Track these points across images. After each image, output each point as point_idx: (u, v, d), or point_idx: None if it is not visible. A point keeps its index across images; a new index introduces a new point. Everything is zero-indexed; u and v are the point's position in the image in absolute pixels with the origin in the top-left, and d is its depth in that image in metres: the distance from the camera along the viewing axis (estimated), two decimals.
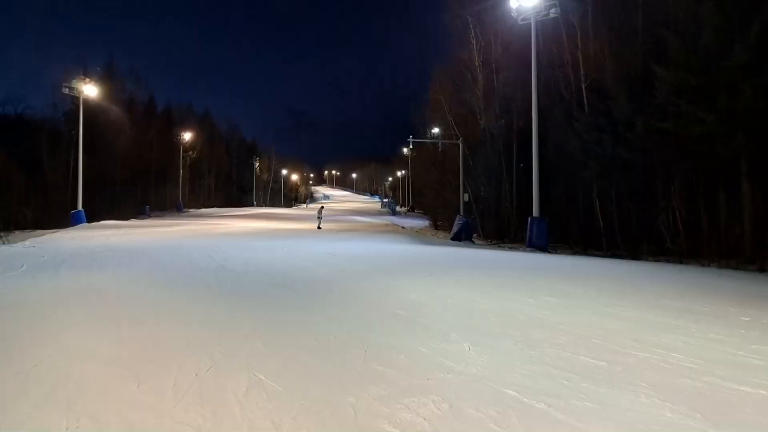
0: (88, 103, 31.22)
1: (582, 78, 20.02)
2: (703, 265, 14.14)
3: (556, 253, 17.50)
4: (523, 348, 4.81)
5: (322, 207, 19.50)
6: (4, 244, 15.97)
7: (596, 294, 7.86)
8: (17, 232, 20.64)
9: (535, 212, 18.53)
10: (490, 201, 25.76)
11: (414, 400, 3.54)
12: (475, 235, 24.30)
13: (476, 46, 26.30)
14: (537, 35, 19.02)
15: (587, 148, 18.79)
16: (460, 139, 27.94)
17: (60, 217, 28.09)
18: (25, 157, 32.93)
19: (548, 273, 10.48)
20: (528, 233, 18.56)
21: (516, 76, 24.01)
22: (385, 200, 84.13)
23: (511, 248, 18.88)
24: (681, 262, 14.76)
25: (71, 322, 6.00)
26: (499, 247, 20.05)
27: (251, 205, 74.37)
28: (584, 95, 19.91)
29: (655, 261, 15.11)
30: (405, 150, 68.46)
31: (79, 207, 28.29)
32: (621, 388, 3.79)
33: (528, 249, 17.91)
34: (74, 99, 31.33)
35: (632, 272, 11.11)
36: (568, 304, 6.92)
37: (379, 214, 54.68)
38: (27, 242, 16.27)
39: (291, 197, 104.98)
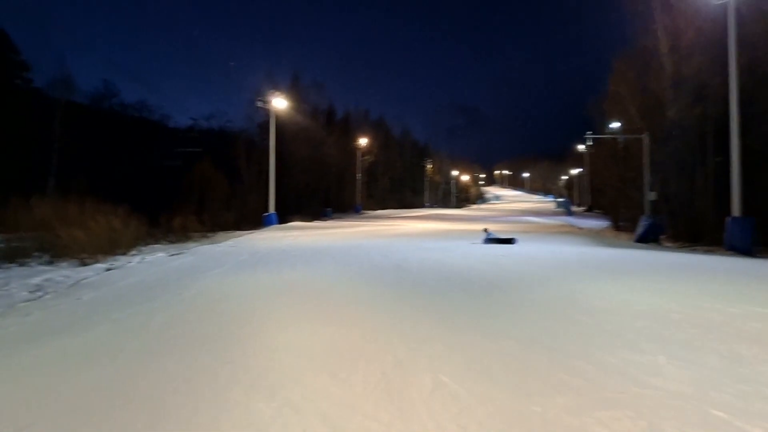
0: (277, 114, 34.29)
1: None
2: None
3: (762, 257, 15.47)
4: (730, 364, 4.32)
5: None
6: (211, 243, 18.10)
7: None
8: (220, 233, 23.27)
9: (736, 211, 16.57)
10: (681, 199, 23.45)
11: (607, 415, 3.36)
12: (663, 236, 22.36)
13: (662, 32, 24.16)
14: (736, 14, 16.99)
15: None
16: (645, 132, 25.91)
17: (254, 219, 31.01)
18: (227, 165, 37.02)
19: (755, 279, 9.28)
20: (727, 234, 16.66)
21: (711, 60, 21.58)
22: (559, 200, 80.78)
23: (706, 251, 17.06)
24: None
25: (269, 316, 6.62)
26: (692, 250, 18.22)
27: (423, 206, 75.85)
28: None
29: None
30: (580, 146, 65.13)
31: (271, 210, 31.13)
32: None
33: (727, 252, 16.08)
34: (266, 111, 34.56)
35: None
36: None
37: (553, 214, 52.66)
38: (229, 242, 18.28)
39: (461, 198, 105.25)
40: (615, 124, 34.03)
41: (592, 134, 33.30)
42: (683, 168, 23.11)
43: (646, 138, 25.63)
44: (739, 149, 16.69)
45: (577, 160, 76.66)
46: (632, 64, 28.51)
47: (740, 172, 16.66)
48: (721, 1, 17.58)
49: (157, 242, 18.21)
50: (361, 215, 49.03)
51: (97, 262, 12.74)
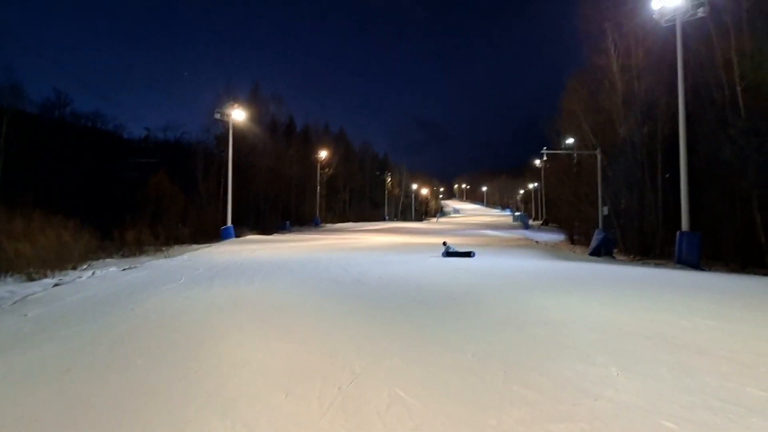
0: (236, 126, 33.93)
1: (737, 79, 18.27)
2: None
3: (709, 270, 16.05)
4: (679, 376, 4.45)
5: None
6: (166, 257, 17.69)
7: (762, 317, 7.09)
8: (176, 247, 22.76)
9: (684, 226, 17.18)
10: (632, 214, 24.21)
11: (560, 427, 3.42)
12: (615, 250, 22.98)
13: (614, 52, 24.99)
14: (683, 37, 17.73)
15: (745, 155, 17.08)
16: (598, 148, 26.67)
17: (212, 232, 30.44)
18: (184, 177, 36.32)
19: (702, 292, 9.63)
20: (677, 249, 17.23)
21: (660, 80, 22.49)
22: (516, 214, 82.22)
23: (657, 265, 17.60)
24: None
25: (225, 332, 6.50)
26: (643, 263, 18.77)
27: (383, 219, 76.06)
28: (740, 98, 18.13)
29: None
30: (537, 162, 66.87)
31: (229, 223, 30.68)
32: None
33: (677, 266, 16.62)
34: (224, 123, 34.13)
35: None
36: (728, 329, 6.31)
37: (510, 228, 53.46)
38: (185, 256, 17.91)
39: (421, 211, 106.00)
40: (570, 140, 34.95)
41: (547, 150, 34.04)
42: (634, 184, 23.87)
43: (598, 154, 26.35)
44: (687, 166, 17.33)
45: (535, 174, 78.39)
46: (586, 82, 29.39)
47: (688, 188, 17.28)
48: (668, 24, 18.31)
49: (109, 256, 17.66)
50: (321, 228, 48.79)
51: (45, 276, 12.25)
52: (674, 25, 17.90)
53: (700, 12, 17.35)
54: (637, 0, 21.93)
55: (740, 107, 18.07)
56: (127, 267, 14.44)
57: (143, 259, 17.41)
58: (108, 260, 16.70)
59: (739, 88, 18.20)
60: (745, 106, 17.90)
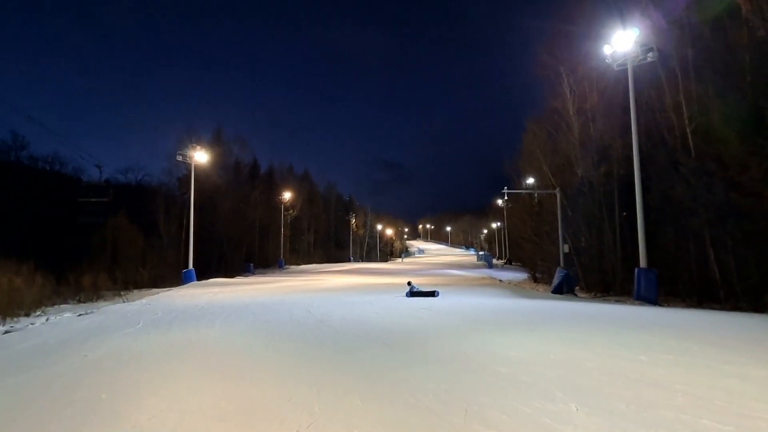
0: (198, 169, 33.64)
1: (686, 121, 19.09)
2: None
3: (666, 306, 16.39)
4: (636, 410, 4.49)
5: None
6: (124, 302, 17.22)
7: (716, 351, 7.24)
8: (135, 291, 22.22)
9: (642, 263, 17.57)
10: (592, 252, 24.70)
11: None
12: (577, 287, 23.30)
13: (570, 95, 25.90)
14: (634, 81, 18.53)
15: (696, 194, 17.72)
16: (557, 188, 27.29)
17: (173, 276, 29.82)
18: (144, 220, 35.67)
19: (660, 328, 9.81)
20: (635, 286, 17.58)
21: (614, 122, 23.36)
22: (480, 253, 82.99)
23: (617, 301, 17.90)
24: None
25: (182, 377, 6.32)
26: (603, 300, 19.07)
27: (348, 260, 75.79)
28: (689, 139, 18.91)
29: None
30: (499, 201, 68.03)
31: (190, 266, 30.09)
32: None
33: (636, 302, 16.93)
34: (187, 165, 33.83)
35: (756, 326, 10.15)
36: (684, 362, 6.42)
37: (474, 267, 53.88)
38: (144, 300, 17.48)
39: (386, 252, 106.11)
40: (530, 180, 35.73)
41: (508, 190, 34.66)
42: (593, 222, 24.43)
43: (558, 194, 26.93)
44: (642, 205, 17.84)
45: (498, 214, 79.58)
46: (544, 124, 30.25)
47: (644, 226, 17.75)
48: (620, 68, 19.12)
49: (65, 302, 17.19)
50: (285, 270, 48.31)
51: None
52: (626, 69, 18.71)
53: (650, 57, 18.21)
54: (590, 45, 22.86)
55: (690, 148, 18.80)
56: (82, 312, 14.03)
57: (100, 304, 16.97)
58: (63, 306, 16.25)
59: (688, 130, 18.98)
60: (694, 147, 18.64)
